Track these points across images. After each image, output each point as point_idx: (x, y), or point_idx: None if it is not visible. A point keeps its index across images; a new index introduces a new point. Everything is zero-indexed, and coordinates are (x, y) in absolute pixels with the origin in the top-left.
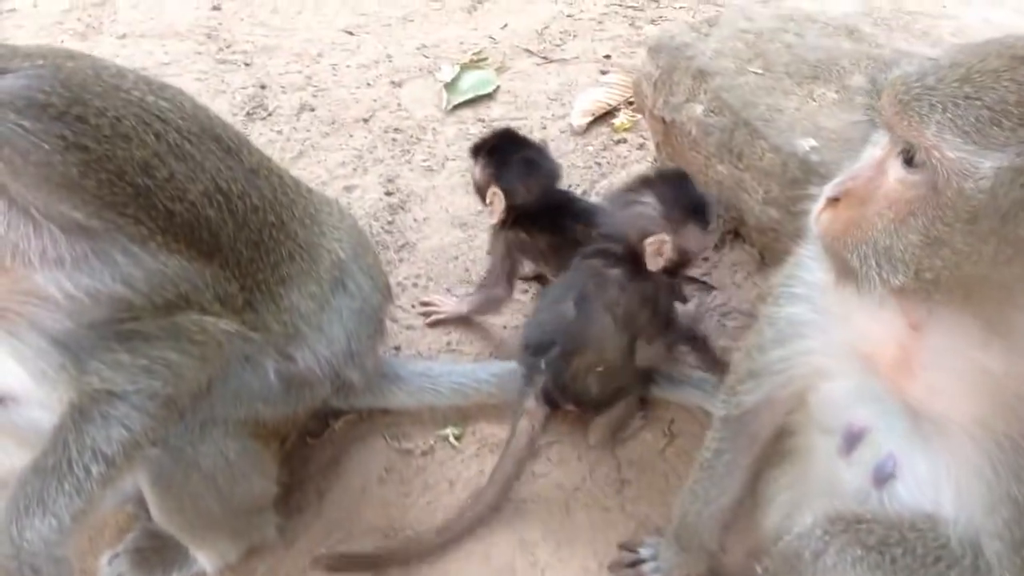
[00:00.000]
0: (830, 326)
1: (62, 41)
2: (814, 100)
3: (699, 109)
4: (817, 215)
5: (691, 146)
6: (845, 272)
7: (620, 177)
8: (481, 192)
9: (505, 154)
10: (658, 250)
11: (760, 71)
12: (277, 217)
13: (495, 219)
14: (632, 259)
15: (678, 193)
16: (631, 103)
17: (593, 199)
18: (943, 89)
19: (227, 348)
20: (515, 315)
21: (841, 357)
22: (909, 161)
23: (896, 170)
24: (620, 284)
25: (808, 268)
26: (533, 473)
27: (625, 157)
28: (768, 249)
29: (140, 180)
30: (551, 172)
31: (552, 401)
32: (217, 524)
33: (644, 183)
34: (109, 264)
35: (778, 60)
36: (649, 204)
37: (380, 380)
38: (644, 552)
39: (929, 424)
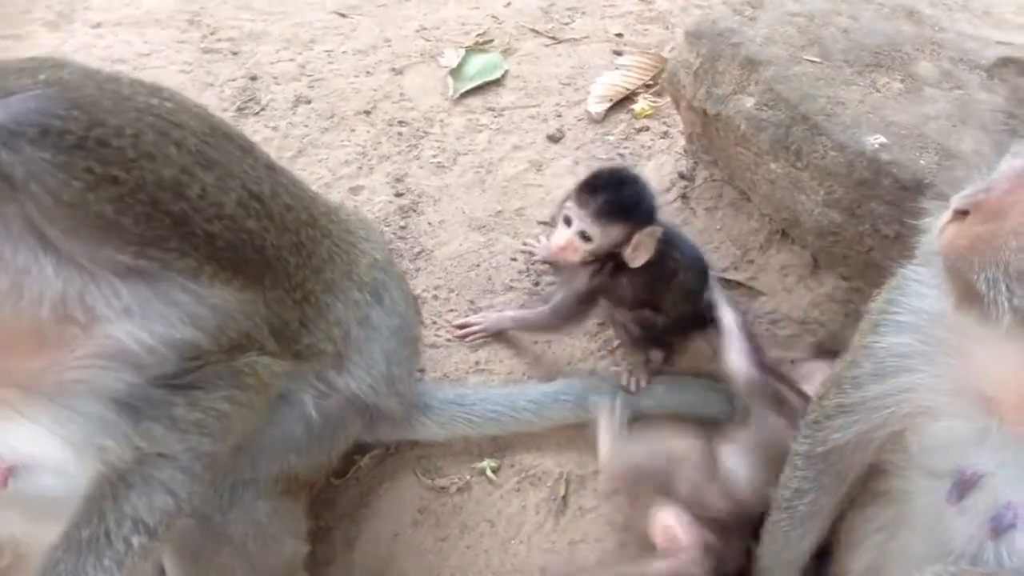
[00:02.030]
0: (941, 360)
1: (31, 32)
2: (878, 91)
3: (750, 102)
4: (941, 229)
5: (738, 142)
6: (969, 297)
7: (647, 169)
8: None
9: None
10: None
11: (817, 59)
12: (308, 214)
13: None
14: None
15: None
16: (650, 86)
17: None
18: None
19: (272, 390)
20: None
21: (953, 395)
22: None
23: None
24: None
25: (916, 293)
26: (581, 508)
27: (649, 147)
28: (824, 253)
29: (175, 206)
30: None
31: None
32: None
33: None
34: (174, 306)
35: (835, 47)
36: None
37: (409, 410)
38: None
39: None
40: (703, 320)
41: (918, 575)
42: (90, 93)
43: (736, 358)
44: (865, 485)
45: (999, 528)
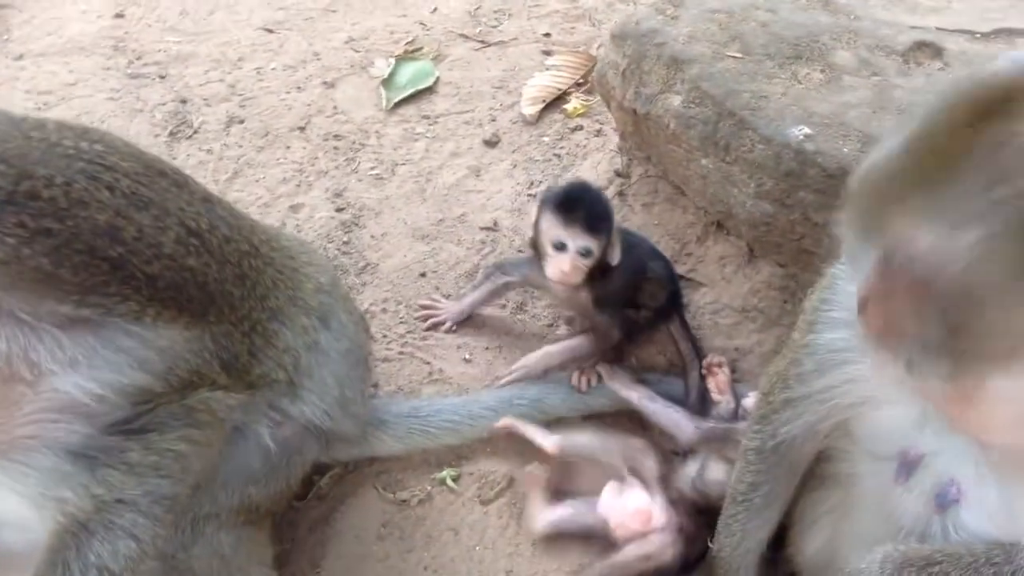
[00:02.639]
0: None
1: None
2: (800, 82)
3: (677, 101)
4: (860, 319)
5: (669, 139)
6: (906, 364)
7: (583, 168)
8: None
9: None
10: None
11: (739, 55)
12: (249, 243)
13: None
14: None
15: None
16: (580, 84)
17: None
18: (900, 183)
19: (227, 424)
20: (492, 336)
21: (891, 384)
22: (901, 261)
23: (896, 272)
24: None
25: (844, 291)
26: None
27: (584, 146)
28: (759, 242)
29: (112, 251)
30: None
31: None
32: None
33: None
34: (120, 352)
35: (755, 41)
36: None
37: (365, 427)
38: None
39: (997, 450)
40: (671, 309)
41: (869, 555)
42: (17, 144)
43: (674, 429)
44: (814, 470)
45: (944, 504)
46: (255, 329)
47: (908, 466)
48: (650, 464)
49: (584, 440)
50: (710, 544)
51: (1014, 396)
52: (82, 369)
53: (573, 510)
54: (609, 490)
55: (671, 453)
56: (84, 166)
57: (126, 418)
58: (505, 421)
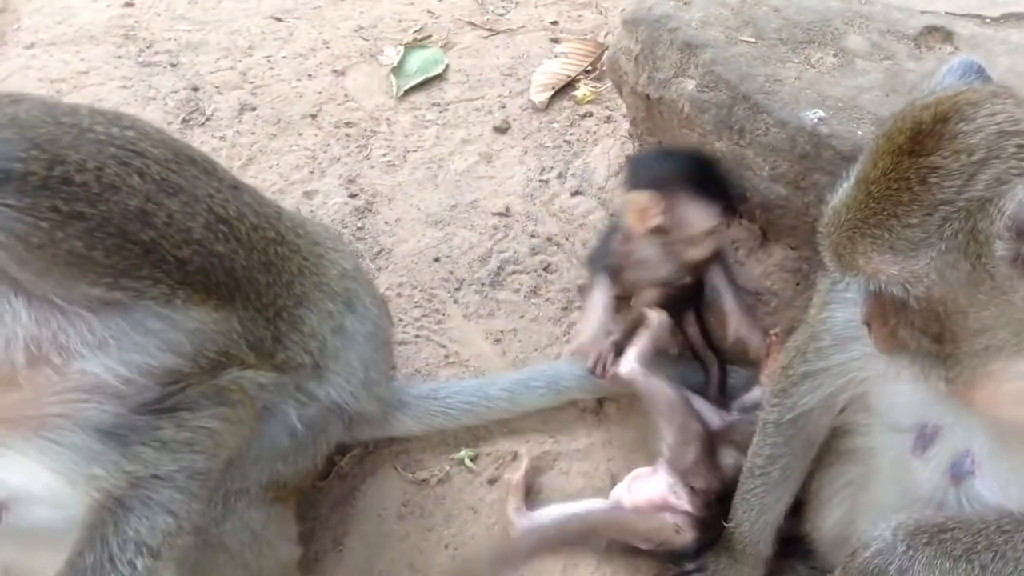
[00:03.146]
0: None
1: None
2: (813, 66)
3: (691, 85)
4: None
5: (683, 124)
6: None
7: (594, 155)
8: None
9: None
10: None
11: (752, 39)
12: (275, 231)
13: None
14: None
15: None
16: (589, 72)
17: None
18: (855, 218)
19: (258, 402)
20: (507, 319)
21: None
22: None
23: (880, 296)
24: None
25: None
26: (557, 489)
27: (594, 132)
28: (772, 225)
29: (144, 235)
30: None
31: None
32: None
33: None
34: (150, 335)
35: (768, 26)
36: None
37: (386, 409)
38: (689, 564)
39: (1009, 422)
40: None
41: (883, 524)
42: (49, 130)
43: None
44: (831, 445)
45: (959, 475)
46: (280, 315)
47: (925, 439)
48: (694, 451)
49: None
50: (725, 524)
51: (1012, 377)
52: (112, 351)
53: (550, 516)
54: (632, 476)
55: None
56: (115, 151)
57: (156, 398)
58: None
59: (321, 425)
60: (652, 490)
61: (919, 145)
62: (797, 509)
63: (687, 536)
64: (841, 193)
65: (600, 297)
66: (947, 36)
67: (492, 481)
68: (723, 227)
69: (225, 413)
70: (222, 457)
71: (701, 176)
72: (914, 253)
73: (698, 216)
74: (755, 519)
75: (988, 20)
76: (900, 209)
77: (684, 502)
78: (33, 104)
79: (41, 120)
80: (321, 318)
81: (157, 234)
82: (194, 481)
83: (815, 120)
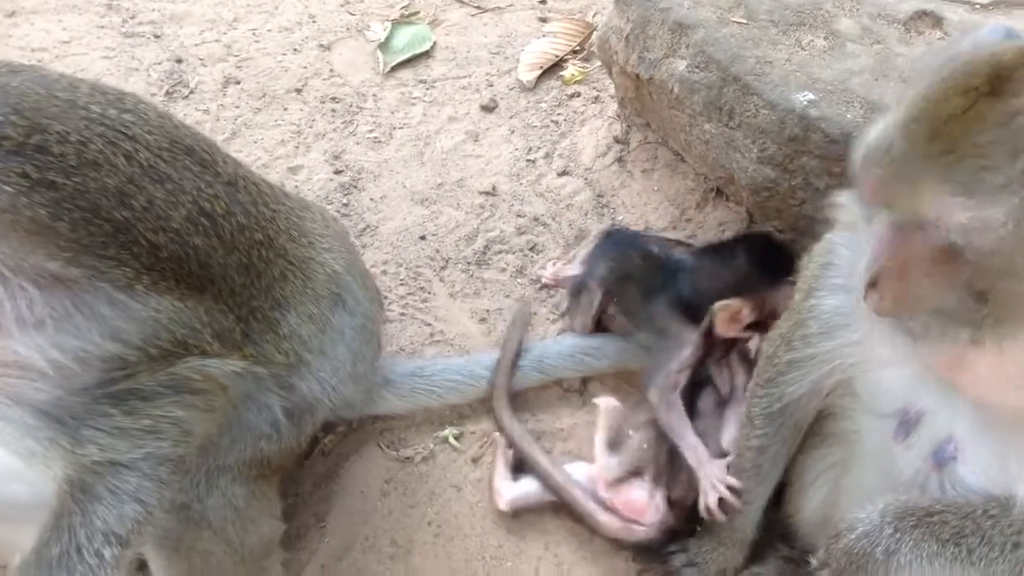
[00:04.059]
0: None
1: None
2: (803, 49)
3: (682, 65)
4: (864, 299)
5: (672, 104)
6: (915, 335)
7: (581, 135)
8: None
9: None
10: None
11: (743, 20)
12: (264, 234)
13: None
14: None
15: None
16: (577, 52)
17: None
18: (917, 155)
19: (233, 391)
20: (493, 298)
21: (893, 351)
22: (923, 232)
23: (915, 243)
24: None
25: (844, 257)
26: None
27: (582, 112)
28: (759, 208)
29: (117, 213)
30: None
31: None
32: None
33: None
34: (95, 319)
35: (760, 7)
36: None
37: (371, 389)
38: (672, 545)
39: (993, 407)
40: None
41: (870, 505)
42: (37, 100)
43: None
44: (814, 428)
45: (942, 460)
46: (254, 315)
47: (908, 424)
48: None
49: None
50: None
51: (1014, 358)
52: (47, 332)
53: (536, 485)
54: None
55: None
56: (105, 131)
57: (97, 382)
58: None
59: (305, 414)
60: (636, 493)
61: (1000, 87)
62: (779, 492)
63: (652, 537)
64: (891, 128)
65: None
66: (937, 21)
67: (476, 459)
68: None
69: (190, 400)
70: (193, 443)
71: (778, 265)
72: (991, 199)
73: (781, 304)
74: (744, 509)
75: (978, 6)
76: (980, 151)
77: (661, 512)
78: (31, 76)
79: (33, 91)
80: (301, 320)
81: (133, 216)
82: (163, 468)
83: (805, 102)
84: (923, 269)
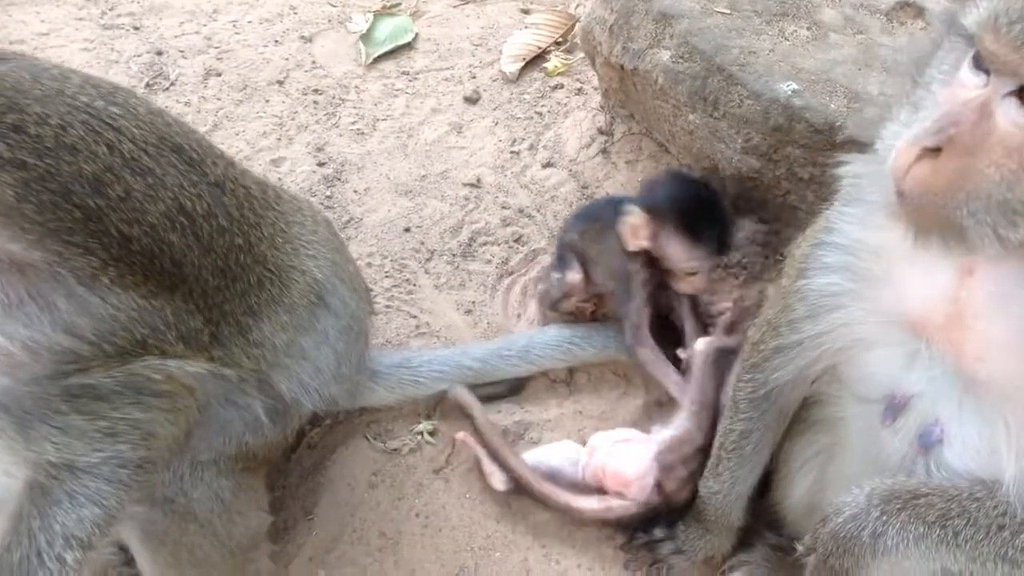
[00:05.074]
0: (870, 293)
1: None
2: (787, 39)
3: (666, 56)
4: (905, 169)
5: (656, 95)
6: (942, 230)
7: (565, 127)
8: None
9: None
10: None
11: (727, 11)
12: (245, 239)
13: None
14: None
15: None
16: (560, 44)
17: None
18: None
19: (200, 392)
20: (478, 290)
21: (883, 325)
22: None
23: (1012, 113)
24: None
25: (840, 232)
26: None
27: (565, 104)
28: (743, 198)
29: (90, 200)
30: None
31: None
32: (216, 570)
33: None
34: (49, 310)
35: None
36: None
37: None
38: (658, 532)
39: (982, 387)
40: None
41: (856, 489)
42: (19, 82)
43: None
44: (801, 415)
45: (928, 444)
46: (225, 319)
47: (894, 408)
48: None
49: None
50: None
51: (1010, 298)
52: None
53: (528, 462)
54: (623, 437)
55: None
56: (88, 119)
57: (50, 374)
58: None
59: (288, 413)
60: (631, 462)
61: None
62: (766, 479)
63: (634, 512)
64: None
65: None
66: (919, 12)
67: (455, 454)
68: (704, 271)
69: (152, 403)
70: (157, 445)
71: (697, 214)
72: None
73: (680, 253)
74: (728, 491)
75: None
76: None
77: (645, 492)
78: (21, 64)
79: (18, 76)
80: (274, 328)
81: (107, 204)
82: (124, 470)
83: (789, 92)
84: (1010, 144)
